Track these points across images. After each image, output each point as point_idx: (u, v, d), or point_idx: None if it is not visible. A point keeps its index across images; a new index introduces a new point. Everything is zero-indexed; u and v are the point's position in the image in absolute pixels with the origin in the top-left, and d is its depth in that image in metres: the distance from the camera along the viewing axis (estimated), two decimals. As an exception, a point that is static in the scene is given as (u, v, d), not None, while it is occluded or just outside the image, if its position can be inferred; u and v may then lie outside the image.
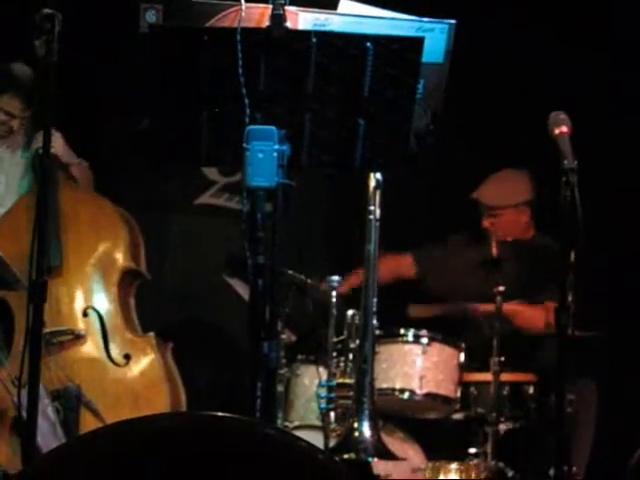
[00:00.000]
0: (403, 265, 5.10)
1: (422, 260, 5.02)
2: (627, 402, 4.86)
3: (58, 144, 4.47)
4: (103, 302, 4.33)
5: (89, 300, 4.31)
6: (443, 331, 4.71)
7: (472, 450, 4.48)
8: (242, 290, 4.45)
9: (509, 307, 4.58)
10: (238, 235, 2.70)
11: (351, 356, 4.38)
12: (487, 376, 4.47)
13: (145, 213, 4.75)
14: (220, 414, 2.12)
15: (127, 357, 4.24)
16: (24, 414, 2.75)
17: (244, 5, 2.66)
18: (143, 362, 4.25)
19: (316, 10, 2.74)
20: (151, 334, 4.31)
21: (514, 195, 4.95)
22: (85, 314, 4.28)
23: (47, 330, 4.13)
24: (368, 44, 2.66)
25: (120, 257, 4.38)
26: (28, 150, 4.61)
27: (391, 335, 4.60)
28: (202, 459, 2.07)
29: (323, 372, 4.38)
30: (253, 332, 2.69)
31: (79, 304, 4.30)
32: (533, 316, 4.66)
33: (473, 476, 4.19)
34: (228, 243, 4.44)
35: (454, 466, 4.21)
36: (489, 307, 4.53)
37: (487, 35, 4.86)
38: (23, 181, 4.63)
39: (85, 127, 4.82)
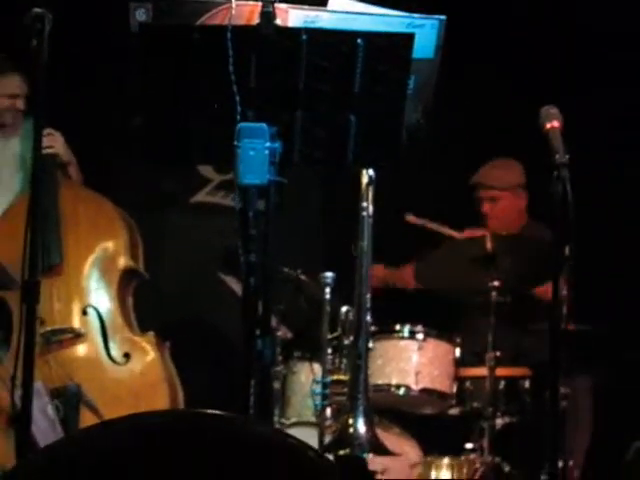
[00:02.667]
0: (403, 277, 5.13)
1: (422, 272, 5.02)
2: (624, 397, 4.86)
3: (59, 143, 4.48)
4: (103, 301, 4.34)
5: (89, 299, 4.32)
6: (438, 326, 4.73)
7: (468, 445, 4.50)
8: (238, 287, 4.46)
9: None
10: (234, 232, 2.71)
11: (345, 353, 4.39)
12: (482, 371, 4.49)
13: (141, 211, 4.75)
14: (209, 411, 2.14)
15: (127, 356, 4.25)
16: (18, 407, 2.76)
17: (234, 3, 2.66)
18: (143, 361, 4.26)
19: (306, 7, 2.74)
20: (151, 333, 4.32)
21: (513, 177, 5.03)
22: (85, 313, 4.29)
23: (47, 328, 4.16)
24: (359, 40, 2.67)
25: (121, 256, 4.39)
26: (21, 146, 4.62)
27: (386, 331, 4.61)
28: (193, 456, 2.09)
29: (318, 369, 4.39)
30: (247, 329, 2.70)
31: (79, 302, 4.31)
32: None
33: (465, 471, 4.19)
34: (224, 240, 4.44)
35: (446, 461, 4.22)
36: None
37: (477, 30, 4.87)
38: (17, 178, 4.64)
39: (79, 126, 4.83)
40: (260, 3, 2.66)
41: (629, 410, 4.74)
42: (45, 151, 4.24)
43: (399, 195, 4.83)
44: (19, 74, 4.52)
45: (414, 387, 4.54)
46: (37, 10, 2.78)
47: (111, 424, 2.24)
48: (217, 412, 2.13)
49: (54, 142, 4.44)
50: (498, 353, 4.44)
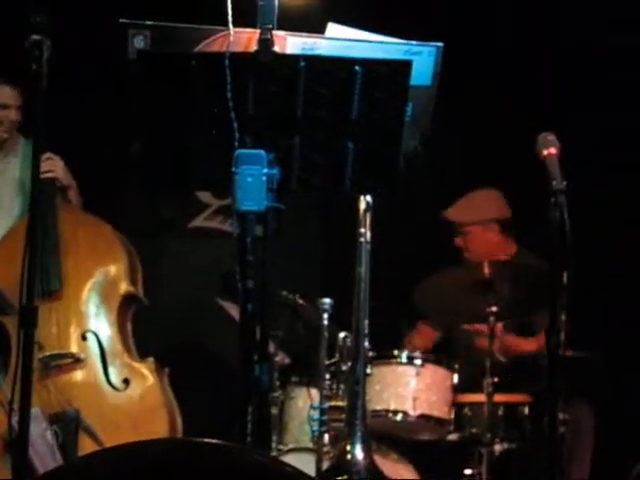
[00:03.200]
0: (427, 337, 5.17)
1: (420, 297, 5.02)
2: (624, 423, 4.86)
3: (58, 167, 4.49)
4: (102, 326, 4.33)
5: (88, 324, 4.32)
6: (436, 352, 4.72)
7: (467, 471, 4.48)
8: (235, 313, 4.46)
9: (508, 340, 4.64)
10: (232, 258, 2.72)
11: (343, 379, 4.39)
12: (481, 397, 4.47)
13: (139, 236, 4.76)
14: (207, 440, 2.13)
15: (126, 382, 4.24)
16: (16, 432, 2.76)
17: (232, 30, 2.68)
18: (142, 387, 4.25)
19: (304, 34, 2.76)
20: (150, 359, 4.31)
21: (480, 212, 5.00)
22: (84, 338, 4.28)
23: (46, 353, 4.15)
24: (356, 67, 2.68)
25: (121, 281, 4.39)
26: (20, 169, 4.63)
27: (384, 357, 4.60)
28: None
29: (316, 395, 4.38)
30: (244, 355, 2.70)
31: (78, 328, 4.30)
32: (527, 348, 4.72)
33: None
34: (222, 266, 4.45)
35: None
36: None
37: (474, 57, 4.89)
38: (16, 202, 4.64)
39: (79, 151, 4.84)
40: (258, 30, 2.67)
41: (629, 435, 4.72)
42: (45, 175, 4.26)
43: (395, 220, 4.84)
44: (10, 85, 4.53)
45: (412, 413, 4.52)
46: (36, 37, 2.80)
47: (110, 452, 2.24)
48: (215, 441, 2.13)
49: (54, 166, 4.45)
50: (496, 379, 4.43)
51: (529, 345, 4.78)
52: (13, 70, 4.43)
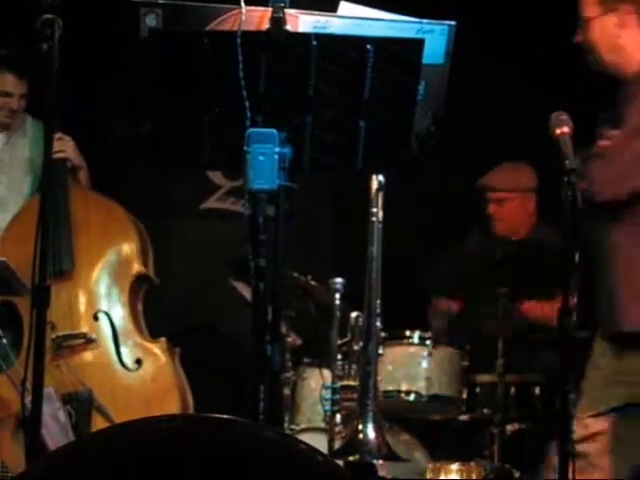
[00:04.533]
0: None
1: (438, 275, 5.01)
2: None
3: (69, 147, 4.49)
4: (114, 306, 4.34)
5: (100, 304, 4.33)
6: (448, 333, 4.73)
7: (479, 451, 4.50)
8: (248, 293, 4.45)
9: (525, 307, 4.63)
10: (244, 238, 2.71)
11: (355, 358, 4.39)
12: (493, 377, 4.48)
13: (151, 218, 4.76)
14: (218, 416, 2.14)
15: (138, 362, 4.25)
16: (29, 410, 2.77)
17: (244, 8, 2.67)
18: (154, 367, 4.26)
19: (316, 12, 2.74)
20: (162, 339, 4.32)
21: (522, 180, 5.02)
22: (96, 318, 4.30)
23: (59, 334, 4.17)
24: (368, 46, 2.66)
25: (133, 262, 4.39)
26: (30, 149, 4.63)
27: (396, 337, 4.60)
28: (202, 461, 2.08)
29: (327, 375, 4.38)
30: (256, 335, 2.70)
31: (90, 308, 4.31)
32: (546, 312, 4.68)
33: (475, 476, 4.18)
34: (234, 247, 4.44)
35: (456, 466, 4.21)
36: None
37: (487, 35, 4.87)
38: (26, 182, 4.64)
39: (90, 131, 4.84)
40: (270, 9, 2.66)
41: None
42: (56, 155, 4.25)
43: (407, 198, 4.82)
44: (14, 73, 4.52)
45: (424, 393, 4.53)
46: (47, 15, 2.79)
47: (122, 427, 2.25)
48: (226, 416, 2.13)
49: (64, 147, 4.44)
50: (508, 359, 4.43)
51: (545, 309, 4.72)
52: (20, 56, 4.43)
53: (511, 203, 5.00)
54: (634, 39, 3.46)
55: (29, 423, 2.75)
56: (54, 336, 4.13)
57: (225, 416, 2.14)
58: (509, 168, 5.07)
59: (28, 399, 2.83)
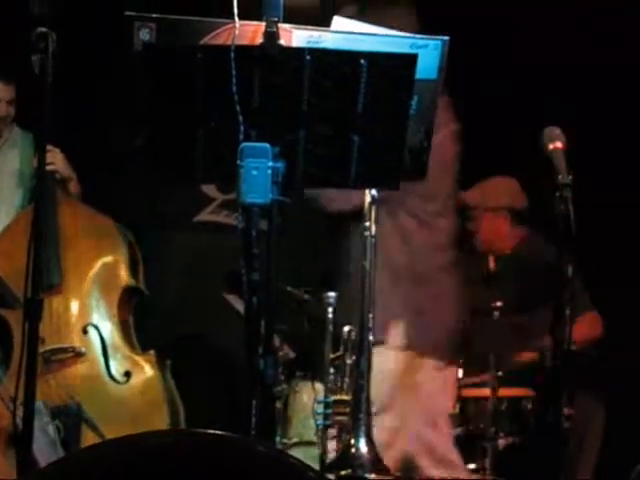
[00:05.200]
0: None
1: None
2: (632, 419, 4.85)
3: (58, 159, 4.47)
4: (103, 319, 4.33)
5: (89, 317, 4.31)
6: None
7: (471, 465, 4.48)
8: (241, 306, 4.44)
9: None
10: (237, 252, 2.71)
11: (348, 372, 4.38)
12: (485, 391, 4.48)
13: (144, 230, 4.75)
14: (210, 431, 2.13)
15: (127, 374, 4.24)
16: (20, 427, 2.76)
17: (237, 23, 2.67)
18: (143, 380, 4.25)
19: (310, 27, 2.74)
20: (151, 352, 4.31)
21: (492, 198, 4.99)
22: (85, 331, 4.29)
23: (48, 347, 4.15)
24: (362, 61, 2.66)
25: (121, 274, 4.38)
26: (20, 161, 4.62)
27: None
28: (194, 478, 2.08)
29: (320, 388, 4.37)
30: (249, 348, 2.69)
31: (79, 321, 4.30)
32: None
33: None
34: (227, 259, 4.45)
35: (448, 481, 4.20)
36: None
37: (480, 51, 4.89)
38: (17, 194, 4.63)
39: (83, 144, 4.83)
40: (264, 23, 2.66)
41: (635, 430, 4.73)
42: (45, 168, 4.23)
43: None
44: (2, 79, 4.50)
45: (416, 407, 4.53)
46: (41, 29, 2.79)
47: (112, 443, 2.23)
48: (218, 432, 2.13)
49: (53, 159, 4.43)
50: (500, 373, 4.43)
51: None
52: (9, 63, 4.42)
53: (482, 220, 4.99)
54: None
55: (20, 439, 2.73)
56: (43, 350, 4.11)
57: (217, 432, 2.13)
58: (487, 184, 5.05)
59: (18, 415, 2.82)
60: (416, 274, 3.70)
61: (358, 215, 3.54)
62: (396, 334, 3.69)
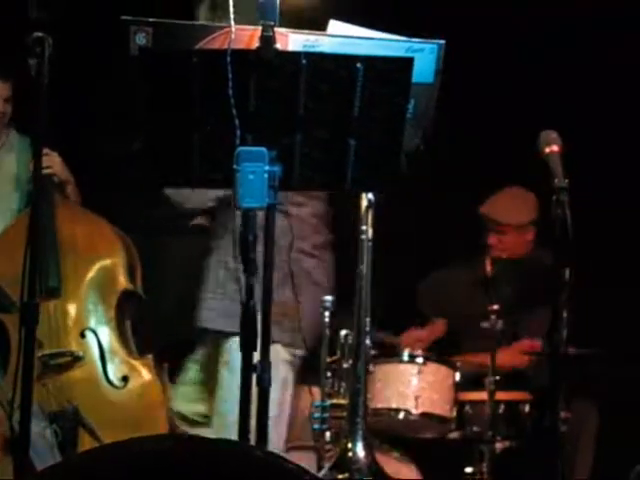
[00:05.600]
0: (437, 331, 5.17)
1: (422, 297, 5.00)
2: (626, 420, 4.85)
3: (56, 163, 4.46)
4: (100, 323, 4.31)
5: (87, 321, 4.30)
6: (438, 350, 4.72)
7: (468, 469, 4.49)
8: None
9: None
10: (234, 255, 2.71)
11: (345, 376, 4.38)
12: (482, 395, 4.48)
13: (141, 234, 4.74)
14: (208, 437, 2.13)
15: (125, 379, 4.23)
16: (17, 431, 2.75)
17: (234, 27, 2.67)
18: (140, 384, 4.24)
19: (306, 31, 2.75)
20: (149, 356, 4.30)
21: (525, 214, 5.00)
22: (83, 336, 4.27)
23: (45, 352, 4.13)
24: (358, 65, 2.67)
25: (119, 278, 4.37)
26: (17, 164, 4.61)
27: (386, 355, 4.60)
28: (192, 481, 2.08)
29: (317, 393, 4.37)
30: (246, 352, 2.69)
31: (77, 325, 4.28)
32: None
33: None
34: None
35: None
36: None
37: (476, 54, 4.89)
38: (14, 197, 4.62)
39: (79, 148, 4.83)
40: (260, 27, 2.66)
41: (631, 432, 4.72)
42: (42, 172, 4.23)
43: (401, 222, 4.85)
44: None
45: (414, 411, 4.53)
46: (38, 34, 2.79)
47: (110, 448, 2.23)
48: (215, 437, 2.13)
49: (51, 162, 4.41)
50: (497, 377, 4.43)
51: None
52: (6, 62, 4.41)
53: (511, 234, 4.99)
54: None
55: (18, 443, 2.73)
56: (40, 354, 4.10)
57: (214, 437, 2.14)
58: (513, 197, 5.05)
59: (15, 419, 2.81)
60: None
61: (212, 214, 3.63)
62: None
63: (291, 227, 3.17)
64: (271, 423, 2.70)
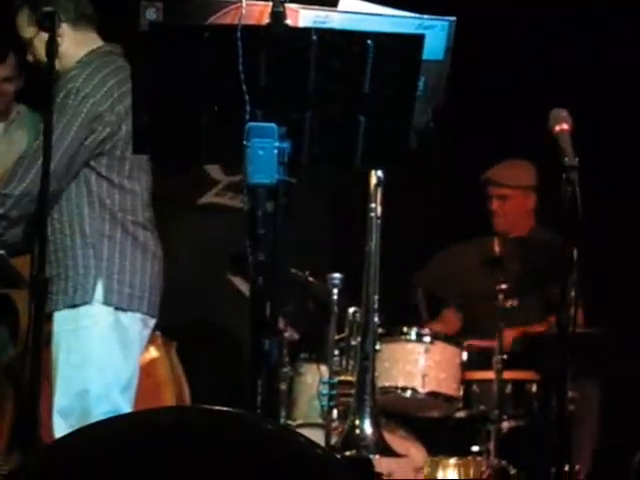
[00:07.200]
0: (451, 323, 5.18)
1: (427, 275, 5.00)
2: (630, 400, 4.86)
3: None
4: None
5: (95, 299, 4.30)
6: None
7: (475, 448, 4.49)
8: (245, 288, 4.46)
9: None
10: (242, 234, 2.71)
11: (353, 354, 4.39)
12: (489, 374, 4.48)
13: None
14: (218, 408, 2.13)
15: (132, 356, 4.23)
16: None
17: (244, 2, 2.66)
18: (148, 361, 4.25)
19: (317, 7, 2.74)
20: (157, 333, 4.31)
21: (525, 177, 5.05)
22: (93, 313, 4.27)
23: (54, 328, 4.15)
24: (369, 41, 2.65)
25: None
26: (27, 140, 4.61)
27: (394, 333, 4.61)
28: (201, 453, 2.08)
29: (325, 370, 4.38)
30: (254, 330, 2.69)
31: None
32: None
33: (472, 472, 4.19)
34: (231, 241, 4.45)
35: (453, 461, 4.22)
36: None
37: (487, 31, 4.88)
38: None
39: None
40: (270, 3, 2.65)
41: (636, 414, 4.73)
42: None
43: (409, 197, 4.84)
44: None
45: (421, 390, 4.54)
46: (47, 9, 2.79)
47: (116, 420, 2.24)
48: (224, 408, 2.13)
49: None
50: (505, 356, 4.43)
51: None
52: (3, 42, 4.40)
53: (514, 200, 5.02)
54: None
55: (25, 416, 2.74)
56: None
57: (223, 408, 2.14)
58: (512, 165, 5.10)
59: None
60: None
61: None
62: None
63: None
64: None
